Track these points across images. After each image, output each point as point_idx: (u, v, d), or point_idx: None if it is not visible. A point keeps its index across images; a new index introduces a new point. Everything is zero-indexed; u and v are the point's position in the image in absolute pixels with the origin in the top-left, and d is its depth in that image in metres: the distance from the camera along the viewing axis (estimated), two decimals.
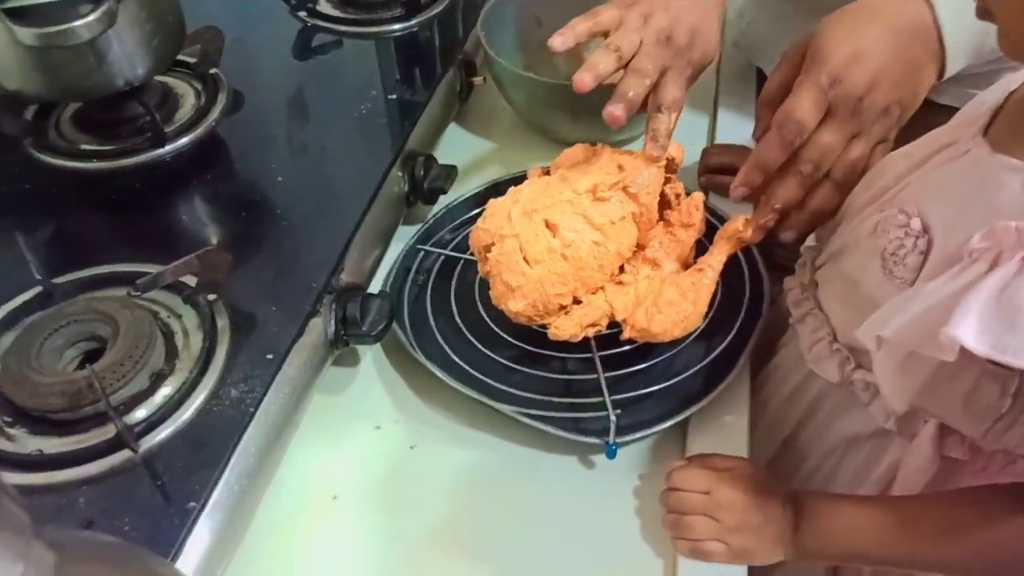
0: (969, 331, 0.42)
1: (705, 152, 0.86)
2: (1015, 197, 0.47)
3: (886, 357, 0.52)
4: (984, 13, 0.48)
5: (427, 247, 0.76)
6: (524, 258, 0.60)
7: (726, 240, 0.65)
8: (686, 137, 0.93)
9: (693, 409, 0.62)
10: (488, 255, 0.62)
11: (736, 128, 0.92)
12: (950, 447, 0.57)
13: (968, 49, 0.61)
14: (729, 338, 0.66)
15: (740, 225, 0.64)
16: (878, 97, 0.60)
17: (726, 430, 0.64)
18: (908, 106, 0.62)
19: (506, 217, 0.61)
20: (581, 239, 0.60)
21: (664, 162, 0.64)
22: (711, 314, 0.66)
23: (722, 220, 0.77)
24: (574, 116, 0.85)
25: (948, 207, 0.51)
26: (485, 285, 0.65)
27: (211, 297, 0.62)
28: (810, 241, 0.69)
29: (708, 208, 0.77)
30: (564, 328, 0.61)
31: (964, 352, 0.45)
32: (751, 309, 0.68)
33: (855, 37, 0.59)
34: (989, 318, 0.42)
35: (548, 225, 0.61)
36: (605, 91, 0.82)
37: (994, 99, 0.53)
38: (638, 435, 0.62)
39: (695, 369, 0.64)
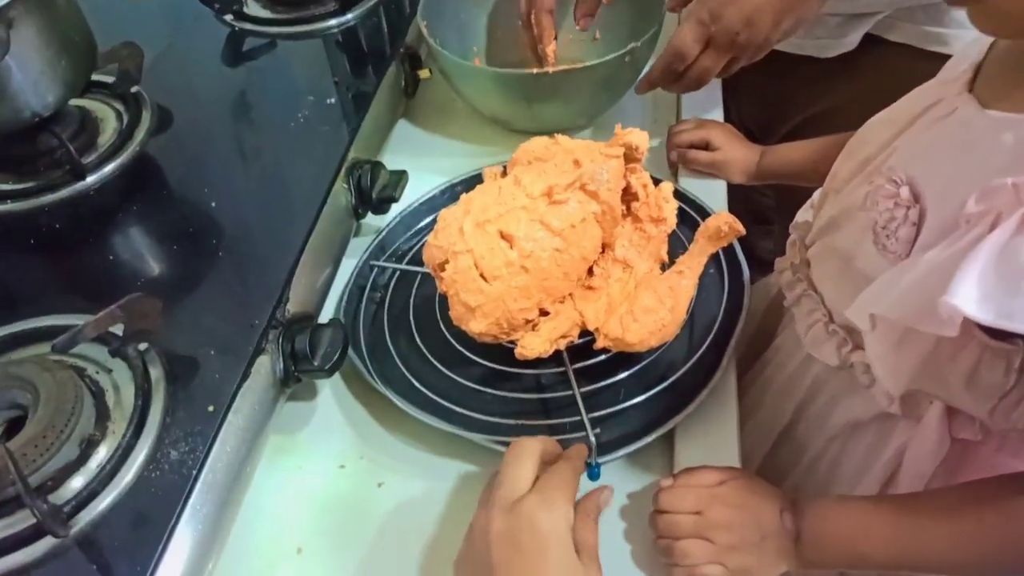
0: (970, 298, 0.38)
1: (672, 130, 0.81)
2: (1008, 153, 0.43)
3: (881, 337, 0.48)
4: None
5: (380, 263, 0.71)
6: (481, 274, 0.55)
7: (707, 239, 0.60)
8: (650, 116, 0.88)
9: (678, 418, 0.58)
10: (443, 274, 0.57)
11: (702, 103, 0.87)
12: (960, 428, 0.53)
13: None
14: (710, 338, 0.61)
15: (723, 224, 0.59)
16: (755, 32, 0.70)
17: (715, 436, 0.59)
18: (788, 33, 0.72)
19: (458, 231, 0.56)
20: (540, 248, 0.55)
21: (621, 152, 0.59)
22: (689, 313, 0.61)
23: (695, 206, 0.72)
24: (528, 104, 0.80)
25: (939, 172, 0.47)
26: (446, 300, 0.60)
27: (142, 347, 0.56)
28: (799, 217, 0.65)
29: (681, 195, 0.72)
30: (532, 346, 0.56)
31: (963, 328, 0.41)
32: (731, 305, 0.64)
33: None
34: (990, 283, 0.38)
35: (504, 236, 0.55)
36: (558, 77, 0.77)
37: (976, 52, 0.49)
38: (621, 452, 0.57)
39: (677, 375, 0.60)
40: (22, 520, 0.48)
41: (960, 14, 0.64)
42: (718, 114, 0.86)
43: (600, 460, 0.56)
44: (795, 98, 0.97)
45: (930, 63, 0.56)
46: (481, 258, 0.54)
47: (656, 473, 0.58)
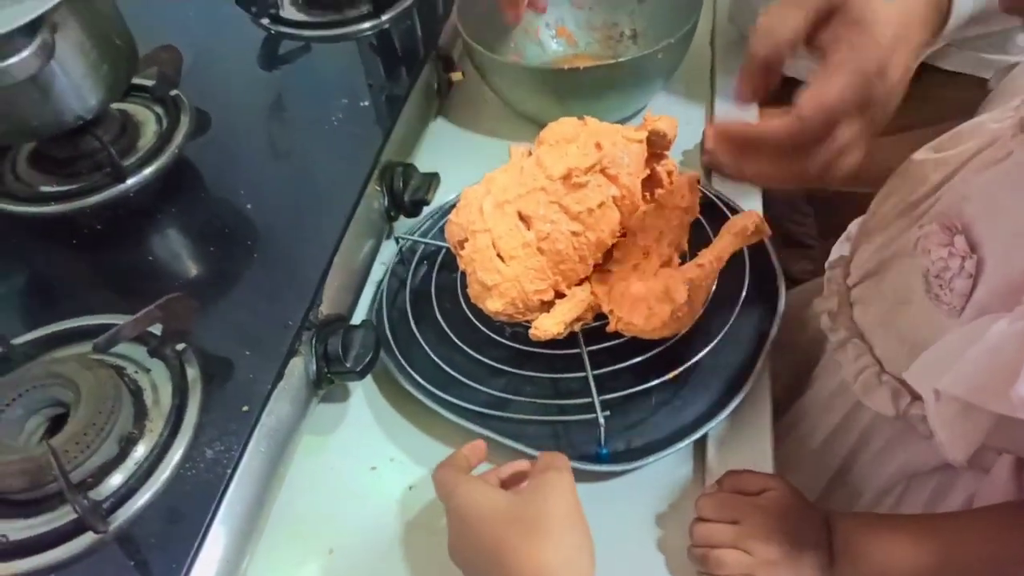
0: None
1: (707, 132, 0.80)
2: None
3: (945, 406, 0.45)
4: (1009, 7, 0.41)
5: (404, 235, 0.72)
6: (498, 254, 0.55)
7: (732, 235, 0.59)
8: (683, 116, 0.88)
9: (713, 423, 0.57)
10: (462, 252, 0.57)
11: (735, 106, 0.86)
12: None
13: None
14: (743, 345, 0.60)
15: (750, 223, 0.58)
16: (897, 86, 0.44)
17: (748, 444, 0.59)
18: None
19: (478, 210, 0.56)
20: (557, 230, 0.55)
21: (644, 137, 0.58)
22: (729, 321, 0.60)
23: (725, 203, 0.72)
24: (560, 99, 0.80)
25: (1000, 223, 0.44)
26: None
27: (179, 347, 0.57)
28: (834, 253, 0.63)
29: (711, 193, 0.72)
30: (546, 327, 0.56)
31: None
32: (765, 312, 0.63)
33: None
34: None
35: (522, 217, 0.56)
36: (590, 73, 0.77)
37: None
38: (652, 458, 0.56)
39: (708, 377, 0.59)
40: (63, 516, 0.49)
41: None
42: (751, 115, 0.85)
43: (629, 466, 0.56)
44: None
45: (982, 91, 0.54)
46: (499, 238, 0.54)
47: (684, 478, 0.58)
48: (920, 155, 0.54)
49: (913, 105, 0.47)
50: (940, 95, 0.74)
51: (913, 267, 0.50)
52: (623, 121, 0.86)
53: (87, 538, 0.48)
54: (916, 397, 0.52)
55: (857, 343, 0.57)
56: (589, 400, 0.56)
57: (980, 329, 0.41)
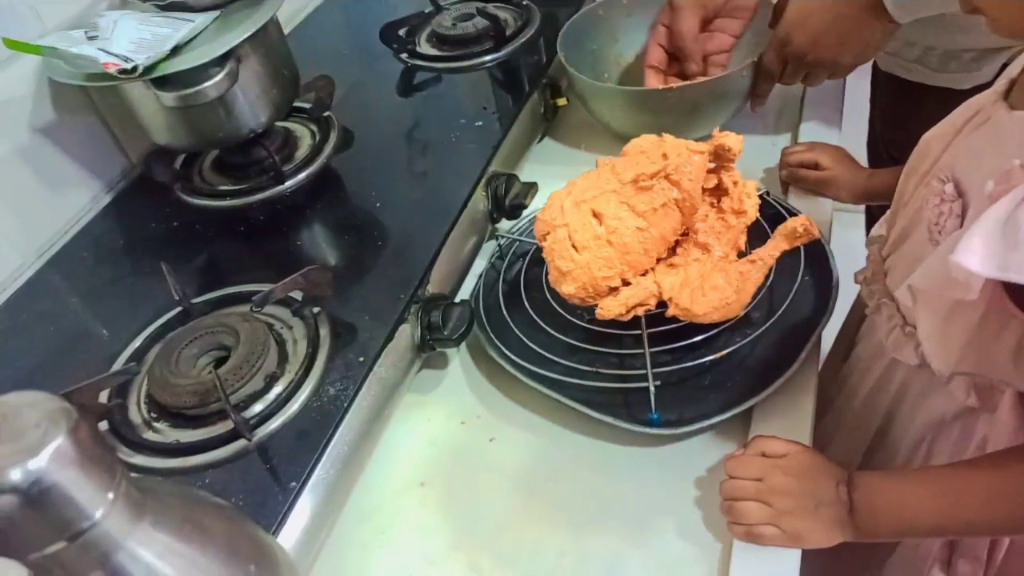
0: (974, 256, 0.42)
1: (785, 150, 0.88)
2: None
3: (929, 314, 0.53)
4: (972, 9, 0.49)
5: (504, 234, 0.84)
6: (573, 245, 0.65)
7: (783, 236, 0.67)
8: (769, 138, 0.95)
9: (754, 400, 0.64)
10: (544, 243, 0.68)
11: (817, 128, 0.93)
12: None
13: (909, 4, 0.75)
14: (793, 330, 0.67)
15: (799, 226, 0.66)
16: (821, 52, 0.82)
17: (791, 419, 0.65)
18: (859, 55, 0.82)
19: (559, 208, 0.67)
20: (624, 226, 0.65)
21: (706, 149, 0.67)
22: (784, 306, 0.68)
23: (788, 211, 0.79)
24: (654, 117, 0.89)
25: (977, 170, 0.52)
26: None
27: (315, 310, 0.71)
28: (874, 232, 0.69)
29: (782, 205, 0.79)
30: (609, 308, 0.65)
31: (1004, 309, 0.46)
32: (819, 303, 0.69)
33: (806, 2, 0.81)
34: (994, 242, 0.43)
35: (595, 214, 0.66)
36: (681, 92, 0.86)
37: (1016, 69, 0.53)
38: (698, 425, 0.64)
39: (757, 361, 0.67)
40: (220, 429, 0.64)
41: None
42: (833, 137, 0.92)
43: (677, 431, 0.64)
44: (930, 125, 1.00)
45: None
46: (574, 231, 0.65)
47: (730, 448, 0.65)
48: (928, 133, 0.61)
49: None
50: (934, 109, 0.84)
51: (923, 227, 0.57)
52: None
53: (237, 444, 0.62)
54: None
55: (888, 304, 0.64)
56: (646, 372, 0.65)
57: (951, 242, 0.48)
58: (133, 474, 0.61)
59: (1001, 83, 0.54)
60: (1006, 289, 0.49)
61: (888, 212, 0.67)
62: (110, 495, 0.31)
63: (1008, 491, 0.52)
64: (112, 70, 0.73)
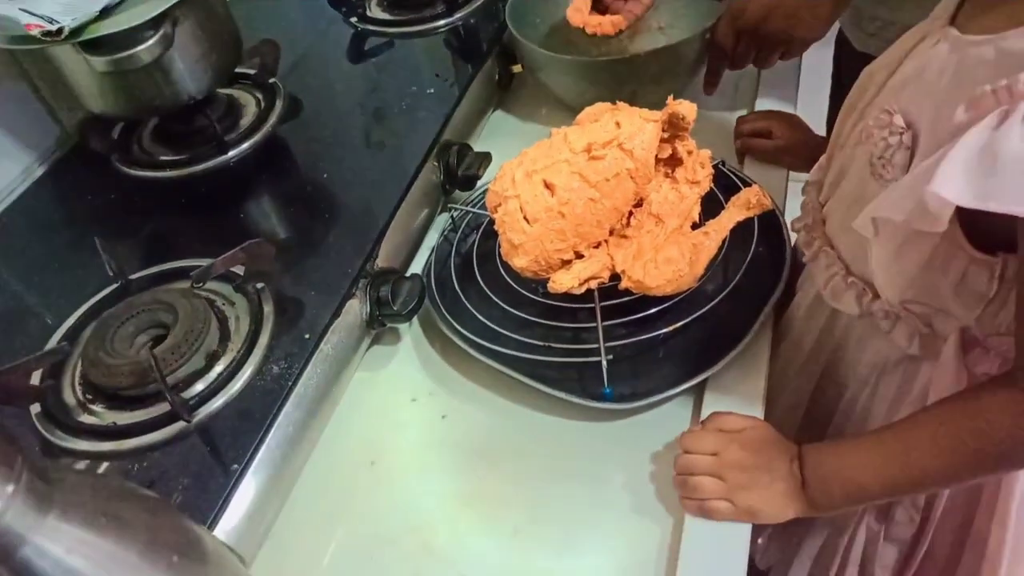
0: (952, 185, 0.42)
1: (739, 119, 0.87)
2: (992, 66, 0.46)
3: (883, 244, 0.53)
4: None
5: (457, 206, 0.82)
6: (525, 217, 0.63)
7: (736, 207, 0.66)
8: (727, 114, 0.94)
9: (708, 372, 0.64)
10: (496, 215, 0.66)
11: (775, 99, 0.92)
12: (976, 361, 0.57)
13: None
14: (746, 301, 0.67)
15: (752, 197, 0.65)
16: (773, 25, 0.81)
17: (742, 393, 0.65)
18: (810, 28, 0.81)
19: (511, 179, 0.65)
20: (577, 197, 0.63)
21: (659, 118, 0.66)
22: (738, 278, 0.67)
23: (743, 181, 0.78)
24: (598, 88, 0.87)
25: (929, 98, 0.50)
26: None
27: (259, 285, 0.69)
28: (810, 178, 0.69)
29: (736, 175, 0.78)
30: (562, 281, 0.64)
31: (953, 241, 0.46)
32: (774, 275, 0.69)
33: None
34: (972, 171, 0.42)
35: (547, 185, 0.64)
36: (633, 63, 0.84)
37: None
38: (651, 399, 0.64)
39: (710, 333, 0.66)
40: (158, 410, 0.61)
41: None
42: (789, 107, 0.91)
43: (630, 405, 0.63)
44: None
45: None
46: (526, 203, 0.63)
47: (684, 422, 0.65)
48: (870, 66, 0.60)
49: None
50: None
51: (861, 159, 0.55)
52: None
53: (176, 427, 0.60)
54: (876, 296, 0.59)
55: (828, 251, 0.63)
56: (599, 347, 0.64)
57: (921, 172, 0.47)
58: (68, 460, 0.59)
59: (948, 7, 0.52)
60: (960, 221, 0.49)
61: (823, 156, 0.66)
62: (9, 488, 0.29)
63: (954, 445, 0.52)
64: (35, 32, 0.69)
